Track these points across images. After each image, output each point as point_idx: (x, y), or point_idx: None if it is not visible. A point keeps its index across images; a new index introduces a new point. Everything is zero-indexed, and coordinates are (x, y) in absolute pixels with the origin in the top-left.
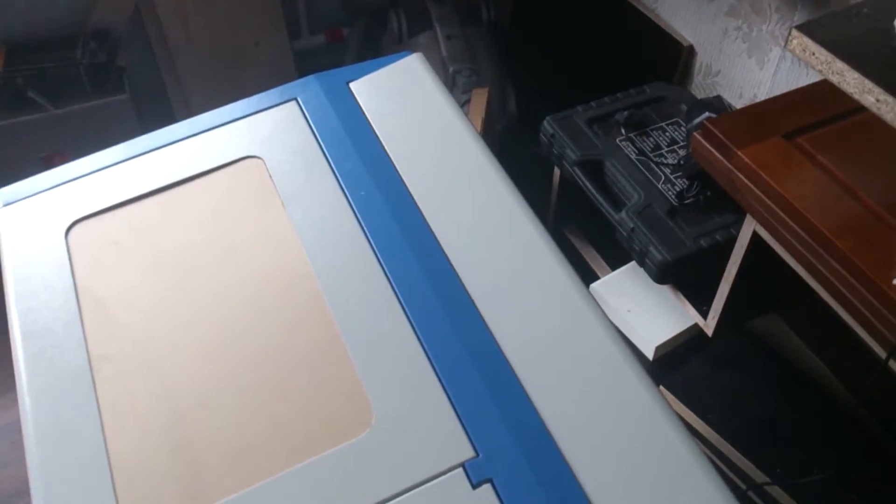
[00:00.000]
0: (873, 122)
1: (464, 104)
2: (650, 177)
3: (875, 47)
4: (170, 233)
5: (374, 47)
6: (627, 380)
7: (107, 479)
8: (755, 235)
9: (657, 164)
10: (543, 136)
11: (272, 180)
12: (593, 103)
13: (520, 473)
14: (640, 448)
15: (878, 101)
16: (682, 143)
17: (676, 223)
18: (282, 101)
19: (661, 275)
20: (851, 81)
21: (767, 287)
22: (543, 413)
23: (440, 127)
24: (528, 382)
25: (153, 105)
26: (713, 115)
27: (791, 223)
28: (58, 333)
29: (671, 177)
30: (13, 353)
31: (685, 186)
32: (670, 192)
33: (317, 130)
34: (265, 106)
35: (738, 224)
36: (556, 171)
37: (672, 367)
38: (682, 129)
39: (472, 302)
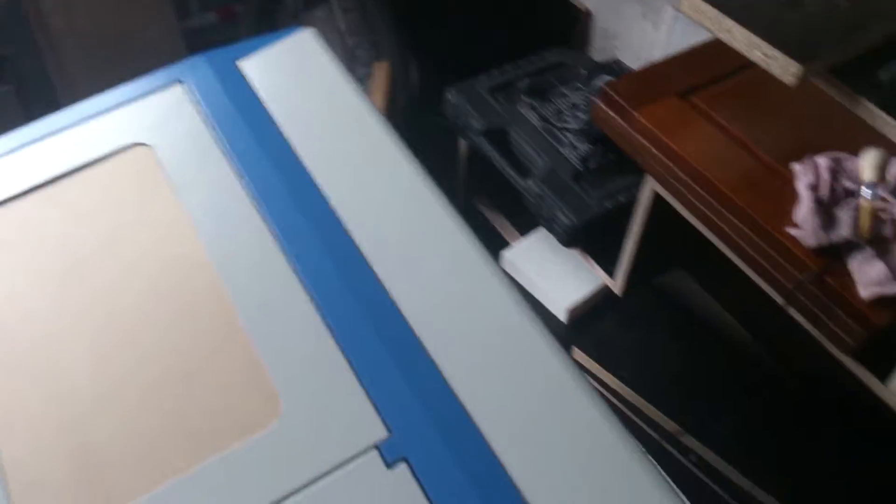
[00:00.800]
0: (762, 77)
1: (365, 78)
2: (554, 143)
3: (762, 5)
4: (57, 229)
5: (270, 24)
6: (535, 345)
7: (0, 489)
8: (656, 195)
9: (560, 129)
10: (447, 107)
11: (162, 168)
12: (495, 71)
13: (435, 449)
14: (549, 411)
15: (765, 55)
16: (583, 108)
17: (581, 187)
18: (168, 83)
19: (569, 239)
20: (739, 38)
21: (671, 244)
22: (455, 386)
23: (335, 102)
24: (439, 357)
25: (39, 95)
26: (612, 79)
27: (688, 181)
28: None
29: (574, 141)
30: None
31: (588, 150)
32: (574, 157)
33: (206, 112)
34: (151, 89)
35: (641, 185)
36: (462, 142)
37: (586, 328)
38: (583, 93)
39: (378, 280)
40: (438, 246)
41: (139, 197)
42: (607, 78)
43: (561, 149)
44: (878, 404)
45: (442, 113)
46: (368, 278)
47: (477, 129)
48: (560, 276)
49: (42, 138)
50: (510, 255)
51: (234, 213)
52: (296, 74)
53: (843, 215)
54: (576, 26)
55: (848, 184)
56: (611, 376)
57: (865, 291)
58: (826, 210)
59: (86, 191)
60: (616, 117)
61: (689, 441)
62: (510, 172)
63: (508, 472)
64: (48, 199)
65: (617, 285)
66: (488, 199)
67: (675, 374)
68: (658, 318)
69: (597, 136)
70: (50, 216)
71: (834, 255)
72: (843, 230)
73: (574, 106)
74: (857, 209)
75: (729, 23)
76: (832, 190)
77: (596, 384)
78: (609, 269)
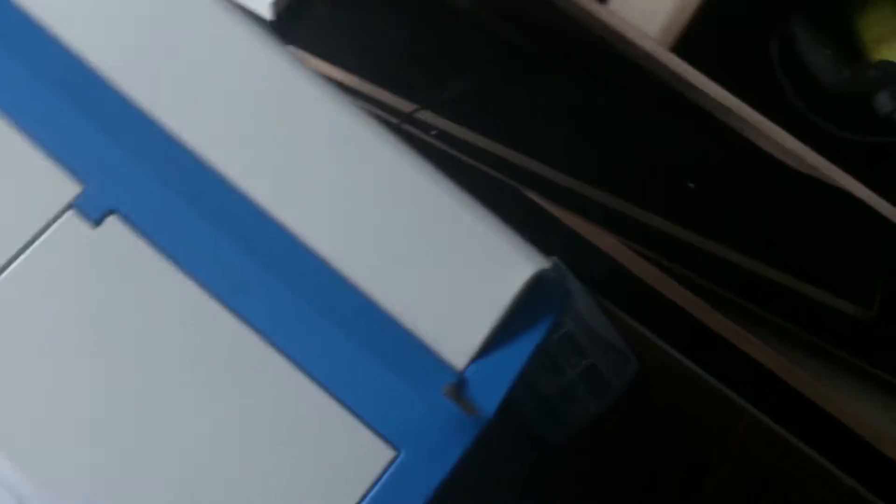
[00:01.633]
0: None
1: None
2: None
3: None
4: None
5: None
6: (244, 45)
7: None
8: None
9: None
10: None
11: None
12: None
13: (147, 190)
14: (271, 108)
15: None
16: None
17: None
18: None
19: None
20: None
21: None
22: (154, 110)
23: None
24: (126, 80)
25: None
26: None
27: None
28: None
29: None
30: None
31: None
32: None
33: None
34: None
35: None
36: None
37: (295, 21)
38: None
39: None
40: None
41: None
42: None
43: None
44: (599, 35)
45: None
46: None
47: None
48: None
49: None
50: None
51: None
52: None
53: None
54: None
55: None
56: (334, 68)
57: None
58: None
59: None
60: None
61: (428, 116)
62: None
63: (238, 185)
64: None
65: None
66: None
67: (396, 51)
68: None
69: None
70: None
71: None
72: None
73: None
74: None
75: None
76: None
77: None
78: None
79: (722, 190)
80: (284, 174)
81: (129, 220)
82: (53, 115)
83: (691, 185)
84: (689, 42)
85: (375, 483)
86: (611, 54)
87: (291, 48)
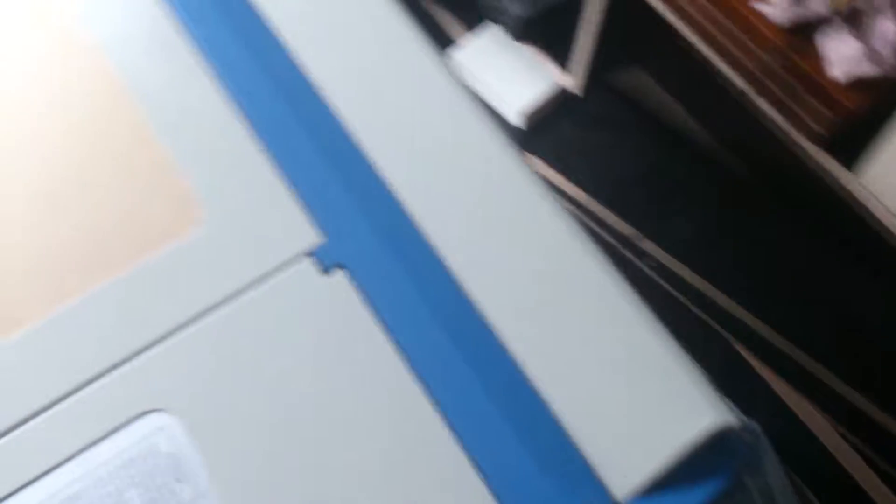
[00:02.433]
0: None
1: None
2: None
3: None
4: None
5: None
6: (487, 147)
7: None
8: None
9: None
10: None
11: None
12: None
13: (376, 255)
14: (502, 216)
15: None
16: None
17: None
18: None
19: (522, 31)
20: None
21: (632, 37)
22: (398, 189)
23: None
24: (379, 158)
25: None
26: None
27: None
28: None
29: None
30: None
31: None
32: None
33: None
34: None
35: None
36: None
37: (542, 133)
38: None
39: (307, 73)
40: (379, 39)
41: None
42: None
43: None
44: (842, 200)
45: None
46: (295, 73)
47: None
48: (514, 77)
49: None
50: (459, 55)
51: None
52: None
53: None
54: None
55: None
56: (568, 182)
57: (838, 70)
58: None
59: None
60: None
61: (647, 245)
62: None
63: (458, 278)
64: None
65: (574, 84)
66: None
67: (633, 177)
68: (617, 120)
69: None
70: None
71: (805, 35)
72: (816, 3)
73: None
74: None
75: None
76: None
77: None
78: (564, 65)
79: None
80: (498, 273)
81: (355, 276)
82: (313, 169)
83: None
84: None
85: None
86: (852, 219)
87: (532, 157)
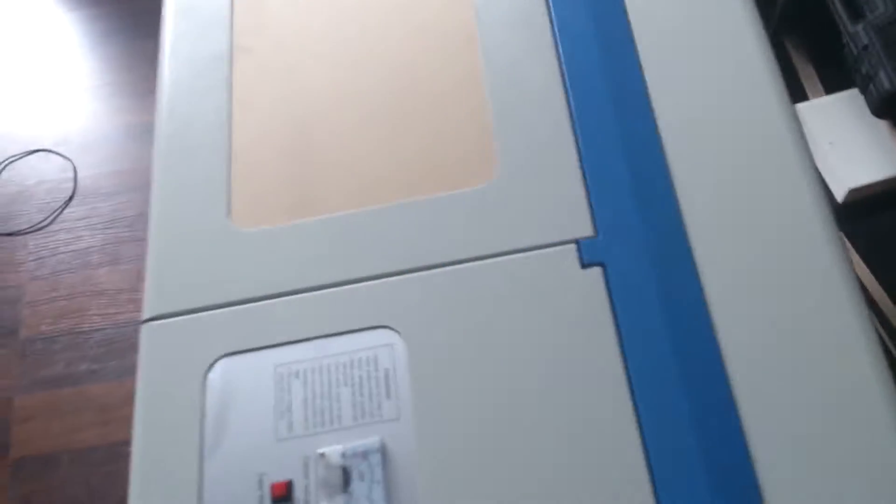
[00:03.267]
0: None
1: None
2: None
3: None
4: None
5: None
6: (804, 214)
7: (223, 169)
8: None
9: None
10: None
11: None
12: None
13: (636, 261)
14: (787, 272)
15: None
16: None
17: None
18: None
19: (883, 106)
20: None
21: None
22: (686, 213)
23: None
24: (679, 176)
25: None
26: None
27: None
28: (205, 14)
29: None
30: (162, 33)
31: None
32: None
33: None
34: None
35: None
36: None
37: (860, 215)
38: None
39: (643, 77)
40: (732, 76)
41: None
42: None
43: None
44: None
45: None
46: (633, 72)
47: None
48: (854, 148)
49: None
50: (805, 110)
51: None
52: None
53: None
54: None
55: None
56: (871, 276)
57: None
58: None
59: None
60: None
61: None
62: (839, 9)
63: (712, 313)
64: None
65: None
66: (800, 40)
67: None
68: None
69: None
70: None
71: None
72: None
73: None
74: None
75: None
76: None
77: None
78: None
79: None
80: (755, 325)
81: (608, 278)
82: (612, 169)
83: None
84: None
85: None
86: None
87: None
